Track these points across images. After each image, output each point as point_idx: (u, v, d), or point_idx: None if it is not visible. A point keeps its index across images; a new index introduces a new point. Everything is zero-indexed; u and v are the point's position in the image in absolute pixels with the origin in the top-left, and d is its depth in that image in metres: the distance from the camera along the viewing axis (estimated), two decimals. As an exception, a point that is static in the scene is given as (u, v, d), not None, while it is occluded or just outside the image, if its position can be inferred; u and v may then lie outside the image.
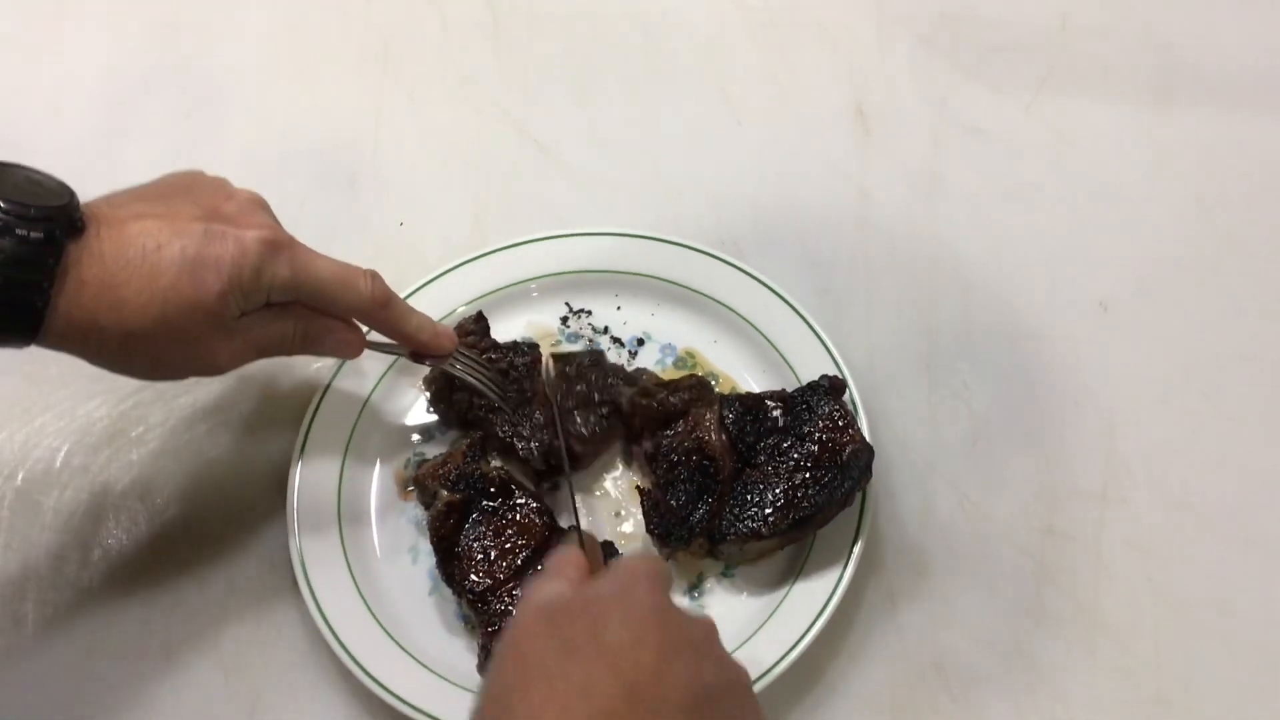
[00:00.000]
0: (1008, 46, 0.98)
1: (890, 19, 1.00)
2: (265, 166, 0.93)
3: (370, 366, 0.79)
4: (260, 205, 0.64)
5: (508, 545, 0.70)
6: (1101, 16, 0.99)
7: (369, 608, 0.70)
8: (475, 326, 0.78)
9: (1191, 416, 0.79)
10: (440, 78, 0.99)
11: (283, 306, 0.64)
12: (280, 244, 0.61)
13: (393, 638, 0.69)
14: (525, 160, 0.94)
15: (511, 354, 0.77)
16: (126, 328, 0.57)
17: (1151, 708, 0.69)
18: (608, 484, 0.76)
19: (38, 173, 0.58)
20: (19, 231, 0.53)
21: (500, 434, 0.74)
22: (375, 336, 0.71)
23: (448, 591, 0.70)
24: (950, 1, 1.01)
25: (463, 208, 0.91)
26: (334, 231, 0.89)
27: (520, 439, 0.74)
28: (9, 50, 1.02)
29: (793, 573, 0.70)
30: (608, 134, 0.95)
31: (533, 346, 0.78)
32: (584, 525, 0.72)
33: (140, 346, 0.59)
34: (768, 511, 0.68)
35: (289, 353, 0.66)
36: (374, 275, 0.66)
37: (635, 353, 0.81)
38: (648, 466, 0.74)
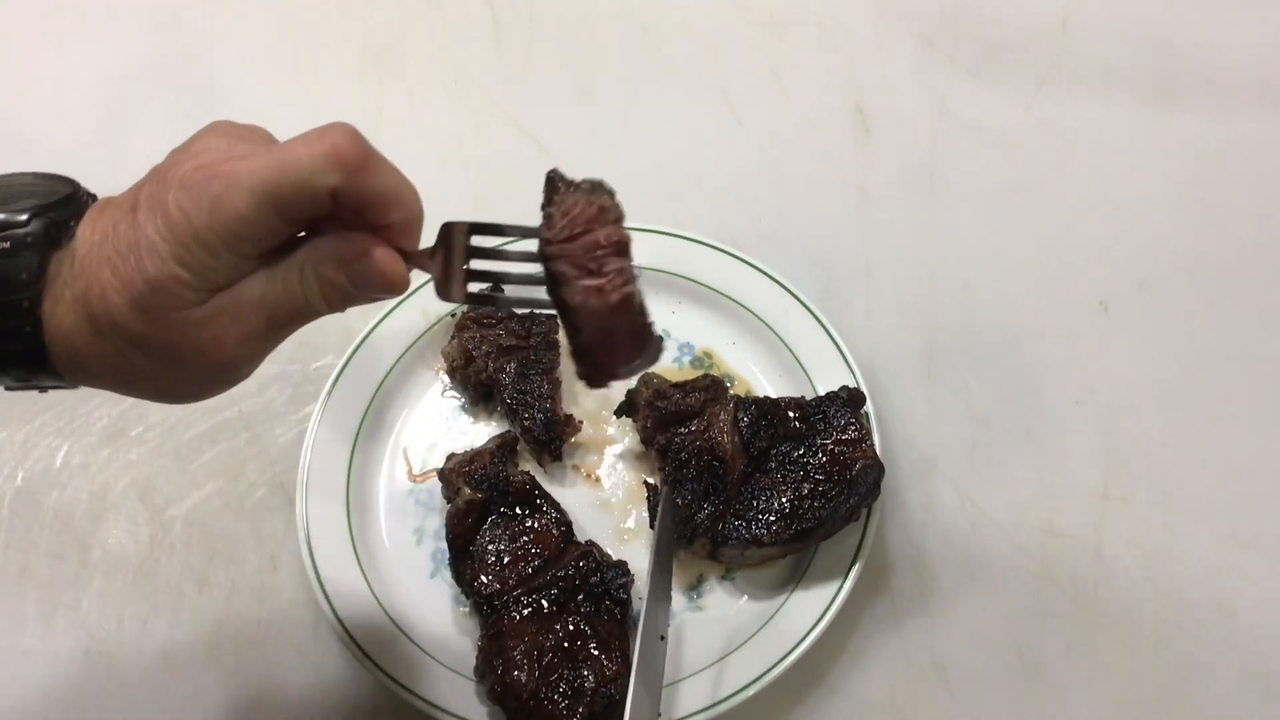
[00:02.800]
0: (1008, 46, 0.98)
1: (890, 19, 1.00)
2: (265, 166, 0.93)
3: (387, 345, 0.80)
4: (210, 147, 0.48)
5: (520, 552, 0.70)
6: (1101, 16, 0.99)
7: (370, 586, 0.71)
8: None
9: (1191, 416, 0.79)
10: (440, 78, 0.99)
11: (269, 256, 0.48)
12: (195, 180, 0.46)
13: (391, 618, 0.70)
14: (525, 160, 0.94)
15: (529, 324, 0.80)
16: (102, 348, 0.47)
17: (1151, 708, 0.69)
18: (613, 480, 0.77)
19: (40, 176, 0.51)
20: None
21: (508, 400, 0.76)
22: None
23: (449, 575, 0.71)
24: (950, 1, 1.01)
25: (463, 207, 0.90)
26: (334, 231, 0.89)
27: (525, 406, 0.76)
28: (9, 50, 1.02)
29: (793, 581, 0.70)
30: (608, 134, 0.95)
31: (549, 317, 0.80)
32: (587, 517, 0.72)
33: (124, 368, 0.48)
34: (771, 519, 0.68)
35: (318, 311, 0.50)
36: (340, 130, 0.47)
37: None
38: (658, 461, 0.74)
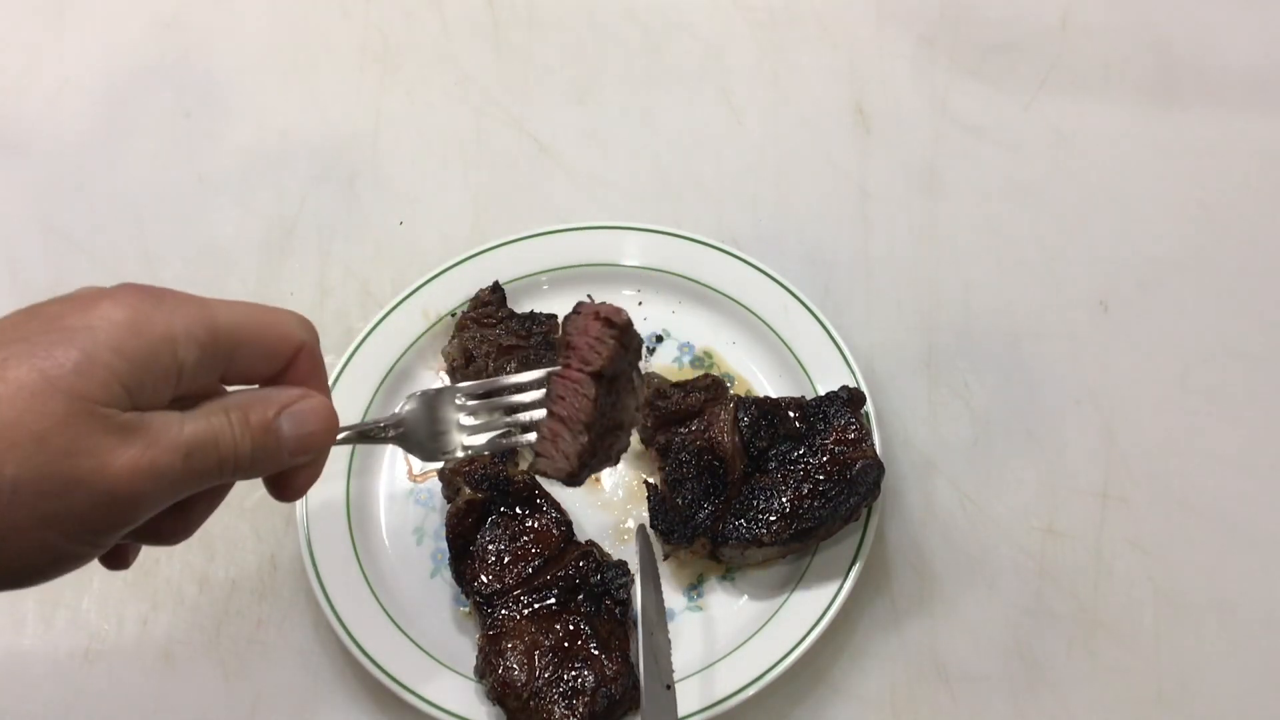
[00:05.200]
0: (1008, 46, 0.98)
1: (890, 19, 1.00)
2: (265, 166, 0.93)
3: (387, 345, 0.79)
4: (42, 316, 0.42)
5: (520, 552, 0.70)
6: (1101, 16, 0.99)
7: (370, 586, 0.71)
8: (492, 296, 0.79)
9: (1191, 416, 0.79)
10: (440, 77, 0.99)
11: (182, 402, 0.44)
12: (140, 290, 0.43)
13: (391, 617, 0.70)
14: (525, 159, 0.94)
15: (530, 323, 0.79)
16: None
17: (1151, 708, 0.69)
18: (613, 480, 0.76)
19: None
20: None
21: None
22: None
23: (449, 575, 0.71)
24: (950, 1, 1.01)
25: (462, 206, 0.91)
26: (334, 230, 0.89)
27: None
28: (9, 50, 1.02)
29: (793, 581, 0.70)
30: (608, 134, 0.95)
31: (550, 317, 0.79)
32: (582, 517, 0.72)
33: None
34: (771, 519, 0.68)
35: (239, 457, 0.46)
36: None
37: (653, 349, 0.81)
38: (658, 461, 0.74)
